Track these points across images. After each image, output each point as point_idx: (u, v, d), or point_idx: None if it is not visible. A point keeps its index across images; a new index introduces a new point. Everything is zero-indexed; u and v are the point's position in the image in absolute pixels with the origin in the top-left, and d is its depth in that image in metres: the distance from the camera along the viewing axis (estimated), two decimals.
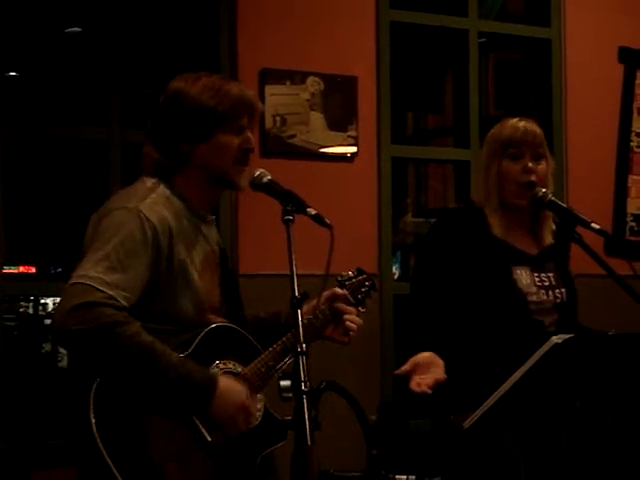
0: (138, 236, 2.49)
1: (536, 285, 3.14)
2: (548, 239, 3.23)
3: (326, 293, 2.86)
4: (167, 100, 2.67)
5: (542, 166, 3.16)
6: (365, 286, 3.02)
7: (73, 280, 2.42)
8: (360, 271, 3.04)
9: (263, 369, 2.68)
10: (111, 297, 2.39)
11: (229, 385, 2.55)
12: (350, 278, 2.99)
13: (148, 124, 2.71)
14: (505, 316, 3.07)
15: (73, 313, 2.36)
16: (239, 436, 2.58)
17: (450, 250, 3.13)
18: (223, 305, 2.77)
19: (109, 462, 2.37)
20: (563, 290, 3.20)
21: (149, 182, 2.64)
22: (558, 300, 3.17)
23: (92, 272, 2.41)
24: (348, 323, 2.85)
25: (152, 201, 2.56)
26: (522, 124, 3.17)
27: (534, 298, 3.11)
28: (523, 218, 3.21)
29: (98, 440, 2.37)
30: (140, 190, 2.61)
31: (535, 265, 3.18)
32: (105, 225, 2.51)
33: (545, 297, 3.14)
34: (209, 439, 2.51)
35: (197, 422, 2.51)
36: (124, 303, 2.43)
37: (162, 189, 2.62)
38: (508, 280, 3.10)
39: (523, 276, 3.13)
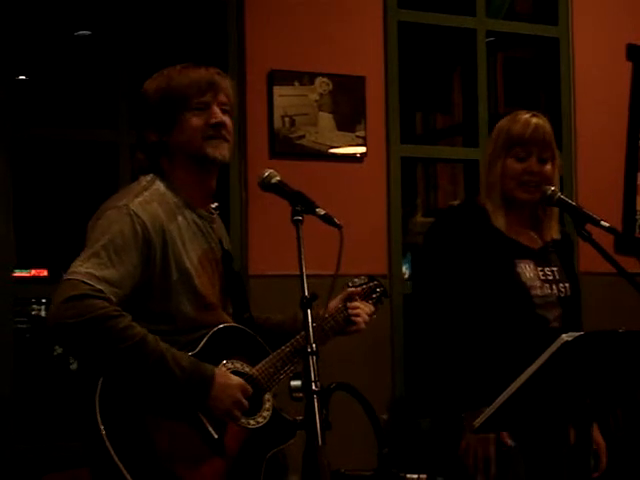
0: (128, 233, 2.51)
1: (540, 279, 3.15)
2: (553, 233, 3.24)
3: (339, 297, 2.90)
4: (140, 101, 2.75)
5: (548, 167, 3.17)
6: (376, 292, 3.05)
7: (64, 277, 2.45)
8: (371, 278, 3.06)
9: (271, 370, 2.69)
10: (100, 290, 2.42)
11: (225, 379, 2.56)
12: (361, 284, 3.01)
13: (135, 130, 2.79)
14: (509, 310, 3.08)
15: (63, 306, 2.38)
16: (247, 435, 2.59)
17: (454, 246, 3.14)
18: (225, 304, 2.78)
19: (118, 463, 2.38)
20: (567, 284, 3.21)
21: (144, 180, 2.68)
22: (562, 294, 3.18)
23: (82, 268, 2.44)
24: (351, 311, 2.88)
25: (143, 199, 2.59)
26: (534, 121, 3.16)
27: (538, 292, 3.12)
28: (525, 214, 3.22)
29: (106, 441, 2.38)
30: (134, 189, 2.65)
31: (539, 259, 3.19)
32: (97, 225, 2.55)
33: (549, 291, 3.15)
34: (215, 436, 2.53)
35: (204, 419, 2.52)
36: (112, 298, 2.44)
37: (157, 186, 2.65)
38: (512, 273, 3.11)
39: (527, 270, 3.14)
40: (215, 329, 2.64)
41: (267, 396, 2.69)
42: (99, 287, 2.42)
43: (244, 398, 2.58)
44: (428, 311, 3.16)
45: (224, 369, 2.60)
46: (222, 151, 2.69)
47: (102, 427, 2.39)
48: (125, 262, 2.49)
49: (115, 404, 2.43)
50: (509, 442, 3.03)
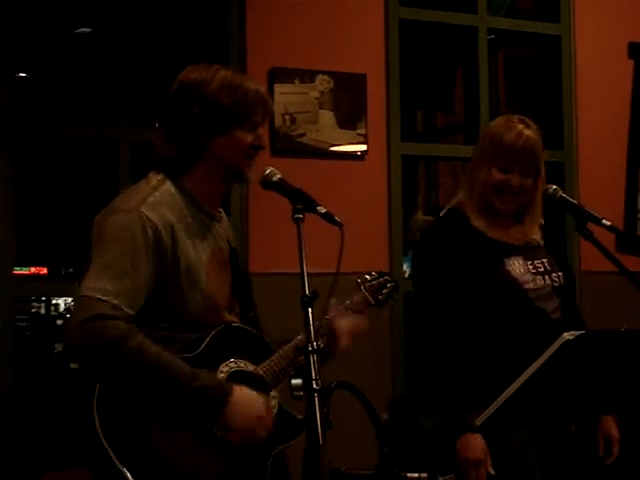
0: (139, 238, 2.49)
1: (531, 272, 3.16)
2: (536, 236, 3.25)
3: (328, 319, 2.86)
4: (184, 92, 2.67)
5: (529, 182, 3.17)
6: (387, 287, 3.03)
7: (80, 293, 2.43)
8: (381, 273, 3.06)
9: (276, 368, 2.68)
10: (115, 306, 2.39)
11: (245, 395, 2.52)
12: (371, 280, 3.00)
13: (159, 116, 2.71)
14: (506, 308, 3.09)
15: (77, 328, 2.37)
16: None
17: (443, 255, 3.15)
18: (234, 303, 2.77)
19: (116, 462, 2.37)
20: (560, 273, 3.22)
21: (154, 179, 2.65)
22: (556, 284, 3.19)
23: (97, 283, 2.42)
24: (338, 325, 2.84)
25: (154, 200, 2.57)
26: (526, 133, 3.16)
27: (531, 285, 3.13)
28: (505, 216, 3.23)
29: (103, 441, 2.38)
30: (143, 189, 2.63)
31: (526, 253, 3.20)
32: (106, 230, 2.51)
33: (542, 282, 3.16)
34: (219, 433, 2.51)
35: None
36: (129, 310, 2.43)
37: (167, 186, 2.63)
38: (503, 271, 3.11)
39: (516, 265, 3.15)
40: (218, 329, 2.63)
41: (273, 393, 2.68)
42: (114, 302, 2.40)
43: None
44: (428, 315, 3.16)
45: (243, 386, 2.54)
46: (254, 174, 2.72)
47: (98, 424, 2.38)
48: (139, 270, 2.47)
49: (113, 404, 2.42)
50: (492, 471, 3.05)
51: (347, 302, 2.92)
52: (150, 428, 2.44)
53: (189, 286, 2.58)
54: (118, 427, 2.41)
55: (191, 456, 2.48)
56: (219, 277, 2.70)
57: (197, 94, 2.64)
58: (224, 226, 2.81)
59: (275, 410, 2.66)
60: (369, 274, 3.03)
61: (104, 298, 2.39)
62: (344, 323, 2.87)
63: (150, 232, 2.51)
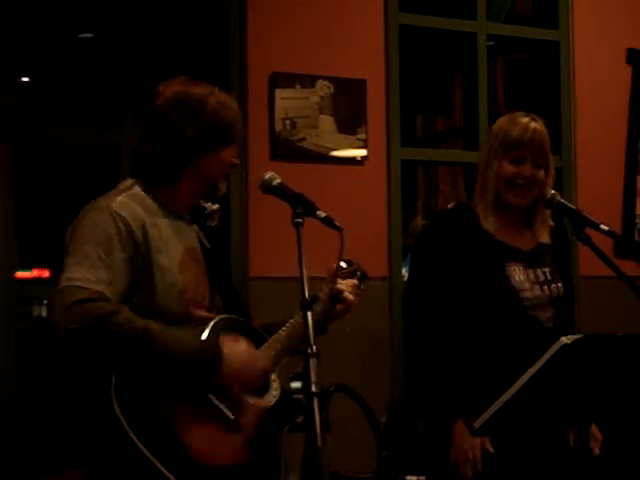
0: (112, 232, 2.54)
1: (530, 281, 3.17)
2: (544, 237, 3.26)
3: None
4: (179, 107, 2.71)
5: (541, 173, 3.18)
6: (356, 275, 3.08)
7: (60, 285, 2.46)
8: (349, 263, 3.10)
9: (272, 352, 2.75)
10: (98, 292, 2.44)
11: (232, 346, 2.60)
12: (341, 269, 3.04)
13: (147, 126, 2.74)
14: (500, 313, 3.11)
15: (65, 314, 2.39)
16: (262, 414, 2.64)
17: (445, 250, 3.16)
18: (211, 301, 2.81)
19: (146, 453, 2.39)
20: (560, 284, 3.22)
21: (123, 185, 2.73)
22: (554, 294, 3.19)
23: (76, 274, 2.46)
24: (336, 288, 2.92)
25: (123, 199, 2.63)
26: (532, 126, 3.17)
27: (528, 294, 3.14)
28: (518, 216, 3.24)
29: (130, 432, 2.39)
30: (113, 193, 2.69)
31: (530, 261, 3.21)
32: (79, 228, 2.58)
33: (540, 292, 3.16)
34: (232, 417, 2.55)
35: (216, 402, 2.54)
36: (112, 297, 2.46)
37: (135, 190, 2.69)
38: (501, 277, 3.12)
39: (517, 272, 3.16)
40: (216, 319, 2.66)
41: (273, 376, 2.74)
42: (97, 289, 2.44)
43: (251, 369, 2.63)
44: (419, 315, 3.18)
45: (227, 337, 2.63)
46: (224, 187, 2.82)
47: (123, 419, 2.40)
48: (116, 260, 2.52)
49: (131, 396, 2.44)
50: (490, 449, 3.05)
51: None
52: (172, 413, 2.47)
53: (165, 282, 2.61)
54: (139, 416, 2.43)
55: (209, 441, 2.52)
56: (196, 275, 2.73)
57: (194, 113, 2.70)
58: (194, 227, 2.85)
59: (278, 392, 2.72)
60: (340, 263, 3.07)
61: (85, 285, 2.44)
62: (346, 282, 3.00)
63: (122, 226, 2.56)
